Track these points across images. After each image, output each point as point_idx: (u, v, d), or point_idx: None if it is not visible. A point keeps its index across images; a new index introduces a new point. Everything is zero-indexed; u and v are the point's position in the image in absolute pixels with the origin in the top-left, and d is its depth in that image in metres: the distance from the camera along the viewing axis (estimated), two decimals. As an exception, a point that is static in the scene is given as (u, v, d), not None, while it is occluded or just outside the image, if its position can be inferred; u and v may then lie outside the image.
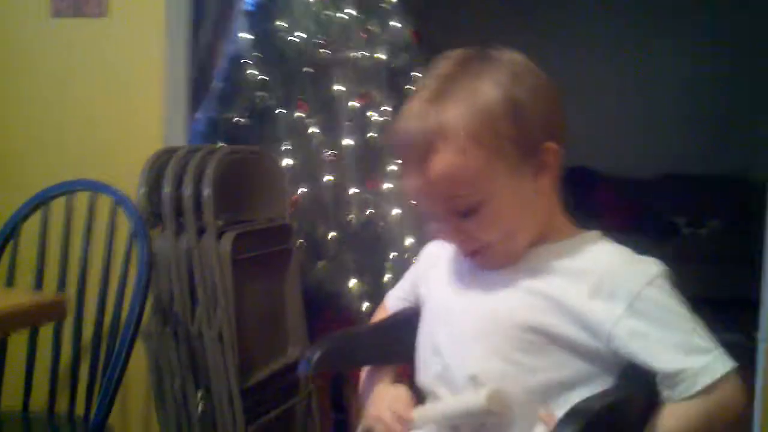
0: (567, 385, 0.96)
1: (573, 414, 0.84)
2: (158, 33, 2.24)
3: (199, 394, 2.02)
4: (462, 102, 0.96)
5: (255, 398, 2.05)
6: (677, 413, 0.91)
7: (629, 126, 5.31)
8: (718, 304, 3.90)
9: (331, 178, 3.11)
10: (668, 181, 5.18)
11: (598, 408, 0.87)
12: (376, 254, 2.88)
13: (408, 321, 1.17)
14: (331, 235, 3.10)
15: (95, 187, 1.88)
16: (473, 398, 0.96)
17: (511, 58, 1.02)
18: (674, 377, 0.91)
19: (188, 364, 2.01)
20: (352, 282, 3.04)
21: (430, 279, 1.17)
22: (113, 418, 2.07)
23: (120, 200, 1.82)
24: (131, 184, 1.96)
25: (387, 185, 3.18)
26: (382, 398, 1.11)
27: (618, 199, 5.07)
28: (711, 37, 5.01)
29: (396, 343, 1.16)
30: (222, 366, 1.98)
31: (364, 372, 1.18)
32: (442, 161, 0.94)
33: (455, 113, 0.95)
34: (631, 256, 1.03)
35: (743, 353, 2.09)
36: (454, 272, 1.12)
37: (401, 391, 1.12)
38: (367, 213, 3.14)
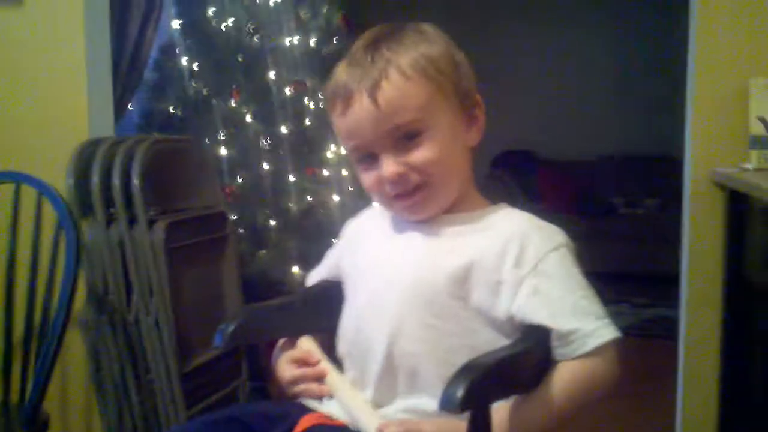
0: (477, 350, 0.99)
1: (466, 369, 0.87)
2: (77, 21, 2.20)
3: (138, 383, 2.01)
4: (410, 46, 1.04)
5: (196, 383, 2.05)
6: (566, 371, 0.96)
7: (569, 110, 5.39)
8: (653, 280, 4.02)
9: (269, 166, 3.12)
10: (608, 163, 5.28)
11: (491, 363, 0.90)
12: (318, 241, 2.90)
13: (327, 294, 1.19)
14: (272, 223, 3.11)
15: (18, 178, 1.85)
16: (368, 420, 1.01)
17: (435, 28, 1.10)
18: (567, 336, 0.96)
19: (126, 351, 2.01)
20: (294, 269, 3.06)
21: (351, 253, 1.20)
22: (53, 409, 2.06)
23: (44, 191, 1.80)
24: (57, 176, 1.94)
25: (326, 172, 3.20)
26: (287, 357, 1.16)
27: (558, 181, 5.15)
28: (646, 19, 5.11)
29: (313, 316, 1.19)
30: (160, 352, 1.98)
31: (279, 343, 1.20)
32: (393, 87, 1.00)
33: (404, 52, 1.03)
34: (539, 223, 1.07)
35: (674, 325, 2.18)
36: (375, 243, 1.15)
37: (304, 343, 1.15)
38: (307, 200, 3.16)
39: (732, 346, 1.98)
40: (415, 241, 1.09)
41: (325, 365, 1.12)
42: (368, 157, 1.06)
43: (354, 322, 1.12)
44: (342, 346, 1.14)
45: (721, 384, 2.02)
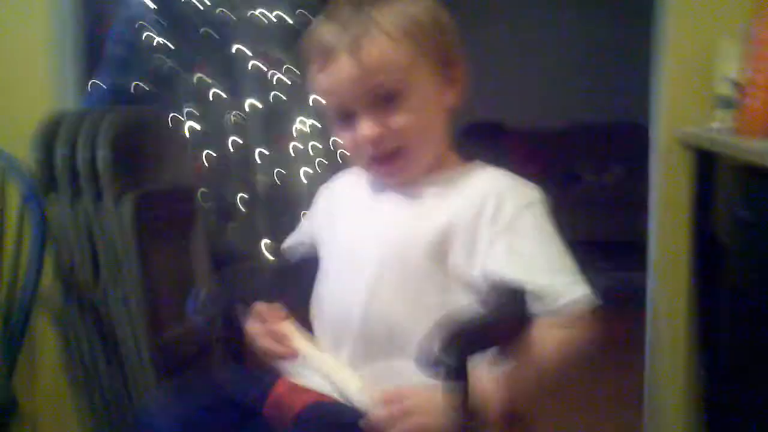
0: (455, 306, 0.99)
1: (441, 325, 0.87)
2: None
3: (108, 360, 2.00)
4: (394, 4, 1.03)
5: (167, 357, 2.03)
6: (544, 326, 0.96)
7: (535, 78, 5.40)
8: (620, 247, 4.07)
9: (238, 139, 3.09)
10: (573, 130, 5.30)
11: (466, 318, 0.91)
12: (287, 213, 2.89)
13: (301, 259, 1.19)
14: (240, 196, 3.09)
15: (-19, 153, 1.81)
16: (350, 384, 1.02)
17: None
18: (540, 292, 0.96)
19: (95, 329, 1.98)
20: (264, 242, 3.04)
21: (327, 217, 1.19)
22: (23, 389, 2.03)
23: (9, 165, 1.77)
24: (21, 150, 1.90)
25: (295, 144, 3.18)
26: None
27: (524, 150, 5.17)
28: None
29: (287, 279, 1.18)
30: (129, 326, 1.96)
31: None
32: (377, 46, 1.00)
33: (389, 11, 1.02)
34: (514, 182, 1.08)
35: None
36: (351, 207, 1.15)
37: (285, 326, 1.14)
38: (275, 173, 3.14)
39: (701, 308, 2.00)
40: (391, 204, 1.09)
41: (300, 343, 1.11)
42: (345, 116, 1.05)
43: (330, 285, 1.12)
44: (317, 310, 1.14)
45: (689, 346, 2.05)
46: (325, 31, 1.04)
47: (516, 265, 0.98)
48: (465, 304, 1.01)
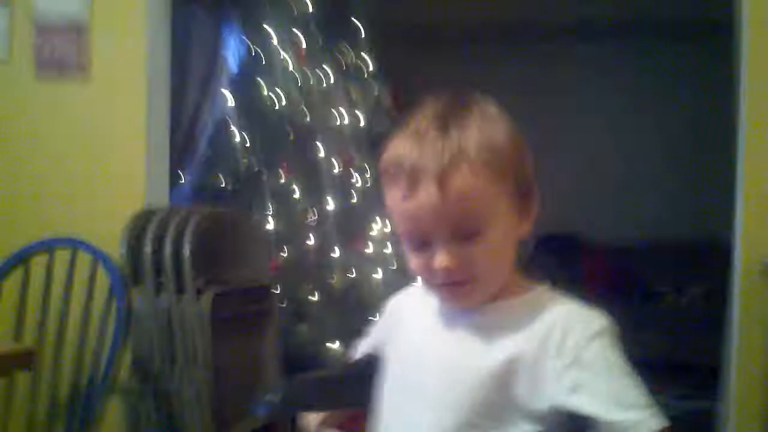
0: None
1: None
2: (140, 95, 2.31)
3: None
4: (478, 131, 1.00)
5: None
6: None
7: (613, 193, 5.37)
8: (693, 371, 3.94)
9: (314, 241, 3.16)
10: (652, 249, 5.22)
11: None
12: (358, 317, 2.91)
13: (370, 369, 1.19)
14: (314, 297, 3.14)
15: (75, 245, 1.91)
16: None
17: (498, 107, 1.08)
18: (611, 428, 0.94)
19: (165, 421, 2.02)
20: (333, 345, 3.06)
21: (392, 334, 1.19)
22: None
23: (100, 257, 1.86)
24: (112, 244, 2.00)
25: (369, 248, 3.23)
26: None
27: (602, 266, 5.10)
28: (693, 100, 5.11)
29: (354, 390, 1.18)
30: (198, 423, 1.98)
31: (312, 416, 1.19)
32: (463, 179, 0.97)
33: (475, 140, 0.99)
34: (580, 310, 1.05)
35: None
36: (415, 330, 1.15)
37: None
38: (350, 276, 3.19)
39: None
40: (456, 333, 1.07)
41: None
42: (420, 242, 1.05)
43: (390, 408, 1.10)
44: (374, 427, 1.13)
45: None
46: (408, 153, 1.01)
47: (586, 404, 0.96)
48: None
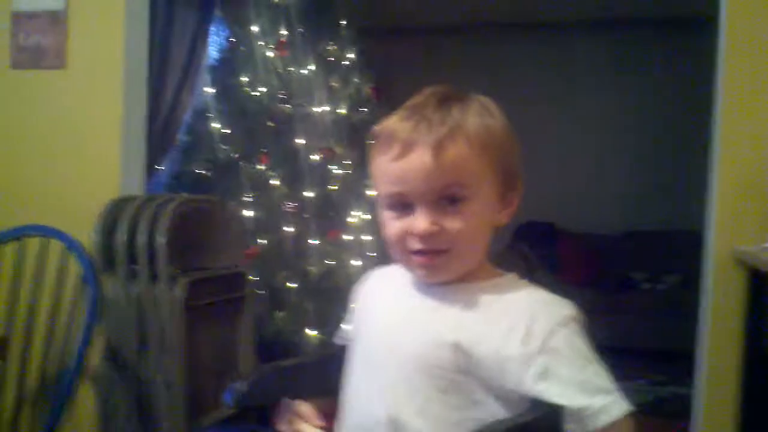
0: (483, 423, 0.98)
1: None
2: (116, 83, 2.30)
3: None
4: (478, 116, 1.06)
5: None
6: None
7: (591, 182, 5.41)
8: (670, 357, 3.98)
9: (292, 229, 3.16)
10: (629, 237, 5.26)
11: (505, 428, 0.90)
12: (336, 304, 2.91)
13: (342, 357, 1.19)
14: (292, 285, 3.13)
15: (47, 232, 1.90)
16: None
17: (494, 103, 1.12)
18: (577, 413, 0.95)
19: (136, 408, 2.02)
20: (310, 331, 3.06)
21: (362, 315, 1.20)
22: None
23: (71, 245, 1.85)
24: (85, 231, 1.99)
25: (347, 237, 3.23)
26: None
27: (578, 254, 5.13)
28: (671, 93, 5.14)
29: (326, 378, 1.18)
30: (170, 411, 1.99)
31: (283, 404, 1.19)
32: (458, 150, 1.02)
33: (474, 121, 1.05)
34: (548, 298, 1.07)
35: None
36: (381, 310, 1.15)
37: (303, 408, 1.14)
38: (327, 263, 3.18)
39: (748, 426, 1.94)
40: (421, 310, 1.08)
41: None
42: (402, 206, 1.06)
43: (354, 392, 1.11)
44: (342, 416, 1.13)
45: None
46: (407, 124, 1.05)
47: (552, 389, 0.97)
48: (494, 413, 1.00)
